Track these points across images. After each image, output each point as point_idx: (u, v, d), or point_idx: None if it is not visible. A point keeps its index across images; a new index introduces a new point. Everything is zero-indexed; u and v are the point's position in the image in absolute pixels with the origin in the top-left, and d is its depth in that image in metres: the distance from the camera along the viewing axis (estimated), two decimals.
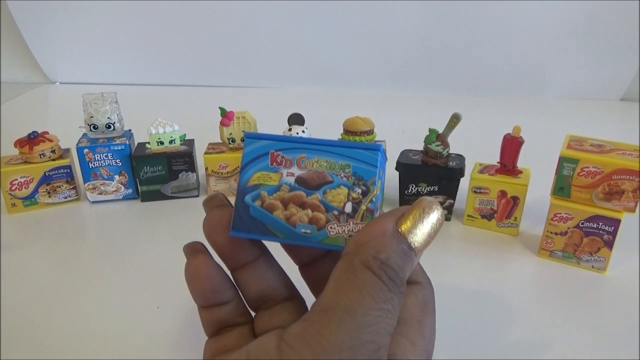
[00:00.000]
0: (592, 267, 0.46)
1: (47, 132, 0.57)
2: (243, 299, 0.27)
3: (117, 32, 1.07)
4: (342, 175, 0.24)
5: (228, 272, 0.27)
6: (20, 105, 0.99)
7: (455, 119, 0.51)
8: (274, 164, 0.25)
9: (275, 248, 0.28)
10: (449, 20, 0.98)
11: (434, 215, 0.22)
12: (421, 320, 0.24)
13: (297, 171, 0.25)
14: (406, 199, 0.55)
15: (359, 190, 0.24)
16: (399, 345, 0.23)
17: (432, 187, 0.53)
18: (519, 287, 0.44)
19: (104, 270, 0.46)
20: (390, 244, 0.21)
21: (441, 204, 0.54)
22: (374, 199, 0.24)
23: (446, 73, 1.04)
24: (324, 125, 0.57)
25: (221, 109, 0.58)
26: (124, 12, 1.05)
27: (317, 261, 0.28)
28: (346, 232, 0.24)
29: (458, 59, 1.02)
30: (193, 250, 0.26)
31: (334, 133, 0.57)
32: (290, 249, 0.29)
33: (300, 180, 0.24)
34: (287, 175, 0.25)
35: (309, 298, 0.27)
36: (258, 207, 0.24)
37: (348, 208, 0.24)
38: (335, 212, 0.24)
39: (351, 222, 0.24)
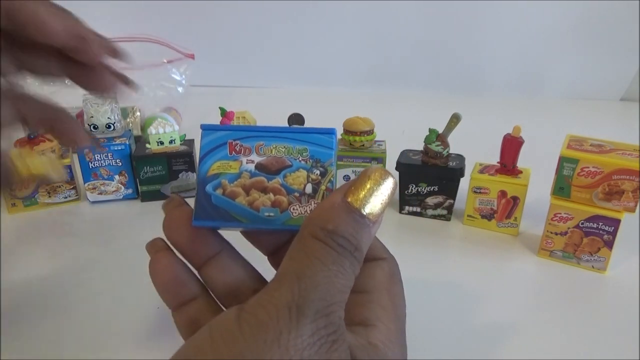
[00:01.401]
0: (592, 267, 0.46)
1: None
2: (214, 297, 0.28)
3: (117, 31, 1.07)
4: (300, 159, 0.25)
5: (196, 272, 0.28)
6: None
7: (455, 119, 0.51)
8: (233, 152, 0.25)
9: (239, 243, 0.29)
10: (449, 20, 0.98)
11: (386, 183, 0.23)
12: (389, 289, 0.26)
13: (256, 158, 0.25)
14: (406, 199, 0.55)
15: (317, 172, 0.25)
16: (371, 310, 0.24)
17: (432, 187, 0.53)
18: (519, 287, 0.44)
19: (103, 270, 0.46)
20: (338, 215, 0.22)
21: (441, 204, 0.54)
22: (332, 179, 0.25)
23: (446, 73, 1.04)
24: (323, 125, 0.57)
25: (221, 109, 0.58)
26: (124, 13, 1.05)
27: (284, 247, 0.29)
28: (308, 211, 0.25)
29: (458, 59, 1.02)
30: (154, 246, 0.27)
31: None
32: (254, 239, 0.30)
33: (260, 167, 0.25)
34: (246, 163, 0.25)
35: None
36: (220, 195, 0.25)
37: (308, 189, 0.25)
38: (297, 194, 0.25)
39: (312, 202, 0.25)
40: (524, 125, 0.49)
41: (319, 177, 0.25)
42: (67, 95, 0.81)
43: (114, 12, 1.05)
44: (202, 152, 0.26)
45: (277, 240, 0.29)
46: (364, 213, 0.22)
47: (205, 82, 1.08)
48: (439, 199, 0.54)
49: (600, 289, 0.44)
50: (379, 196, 0.23)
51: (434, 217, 0.55)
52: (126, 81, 0.29)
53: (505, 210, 0.51)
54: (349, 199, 0.22)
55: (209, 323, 0.21)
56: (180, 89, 0.89)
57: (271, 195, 0.25)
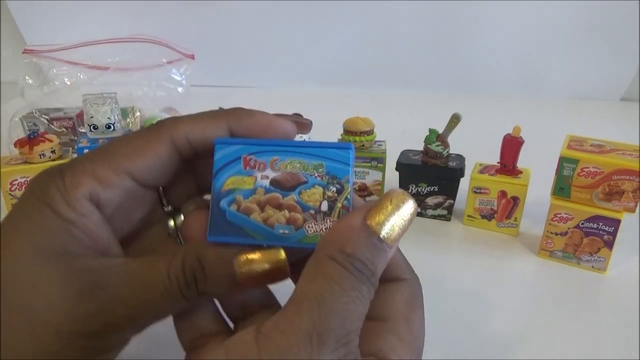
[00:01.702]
0: (592, 267, 0.46)
1: (47, 133, 0.57)
2: (222, 310, 0.27)
3: (119, 32, 1.07)
4: (316, 175, 0.25)
5: None
6: (19, 104, 0.99)
7: (455, 119, 0.51)
8: (247, 167, 0.25)
9: None
10: (449, 20, 0.98)
11: (406, 207, 0.23)
12: (409, 317, 0.24)
13: (271, 174, 0.25)
14: None
15: (334, 189, 0.24)
16: (386, 341, 0.23)
17: (432, 187, 0.53)
18: (519, 287, 0.44)
19: None
20: (357, 238, 0.21)
21: (441, 204, 0.54)
22: (348, 197, 0.24)
23: (446, 73, 1.04)
24: (323, 125, 0.57)
25: (221, 109, 0.58)
26: (124, 16, 1.05)
27: (300, 263, 0.29)
28: (324, 230, 0.24)
29: (458, 59, 1.02)
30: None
31: (334, 133, 0.57)
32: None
33: (275, 183, 0.25)
34: (261, 179, 0.25)
35: None
36: (234, 211, 0.24)
37: (324, 206, 0.24)
38: (312, 212, 0.24)
39: (328, 220, 0.24)
40: (524, 125, 0.49)
41: (335, 194, 0.24)
42: (67, 95, 0.82)
43: (115, 13, 1.05)
44: (216, 167, 0.25)
45: (294, 254, 0.29)
46: (383, 237, 0.22)
47: (205, 82, 1.08)
48: (439, 199, 0.54)
49: (600, 289, 0.44)
50: (399, 220, 0.23)
51: (434, 217, 0.55)
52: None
53: (505, 210, 0.51)
54: (369, 222, 0.22)
55: (225, 344, 0.21)
56: (180, 89, 0.89)
57: (286, 212, 0.24)
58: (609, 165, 0.42)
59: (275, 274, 0.24)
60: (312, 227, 0.24)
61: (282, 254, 0.24)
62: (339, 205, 0.24)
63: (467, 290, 0.43)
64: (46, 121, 0.64)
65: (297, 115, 0.58)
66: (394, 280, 0.26)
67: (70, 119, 0.65)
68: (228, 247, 0.24)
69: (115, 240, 0.25)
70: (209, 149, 0.26)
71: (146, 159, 0.25)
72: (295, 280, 0.28)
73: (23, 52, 0.94)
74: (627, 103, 0.98)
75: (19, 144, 0.55)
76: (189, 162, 0.27)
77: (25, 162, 0.55)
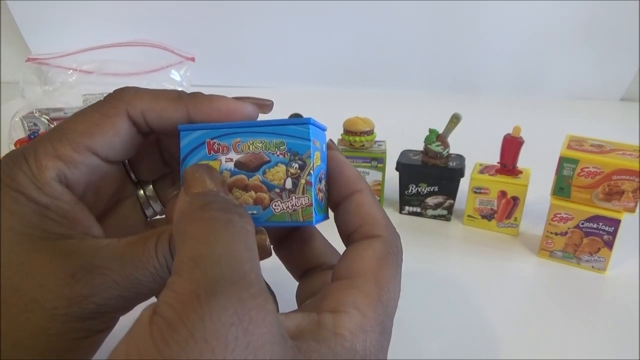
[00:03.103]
0: (592, 267, 0.46)
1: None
2: None
3: (119, 34, 1.07)
4: (277, 153, 0.25)
5: None
6: (20, 105, 0.99)
7: (455, 119, 0.51)
8: (212, 152, 0.25)
9: None
10: (449, 20, 0.98)
11: (198, 170, 0.23)
12: (378, 272, 0.23)
13: (235, 156, 0.25)
14: (406, 199, 0.55)
15: (296, 165, 0.24)
16: (347, 296, 0.22)
17: (432, 187, 0.53)
18: (519, 287, 0.44)
19: None
20: (192, 198, 0.22)
21: (441, 204, 0.54)
22: (311, 172, 0.24)
23: (446, 73, 1.04)
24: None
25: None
26: (124, 15, 1.05)
27: (285, 238, 0.30)
28: (290, 207, 0.24)
29: (458, 59, 1.02)
30: None
31: (334, 133, 0.57)
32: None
33: (239, 164, 0.25)
34: (226, 161, 0.25)
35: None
36: None
37: (288, 184, 0.24)
38: (277, 190, 0.25)
39: (293, 197, 0.24)
40: (524, 125, 0.49)
41: (298, 171, 0.24)
42: (67, 95, 0.82)
43: (116, 18, 1.05)
44: (183, 154, 0.25)
45: (275, 235, 0.30)
46: (210, 189, 0.22)
47: (206, 82, 1.08)
48: (439, 199, 0.54)
49: (600, 289, 0.44)
50: (202, 178, 0.23)
51: (434, 217, 0.55)
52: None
53: (505, 210, 0.51)
54: (190, 192, 0.22)
55: (127, 332, 0.19)
56: (180, 90, 0.89)
57: (252, 192, 0.25)
58: (609, 165, 0.42)
59: (260, 252, 0.22)
60: (279, 205, 0.25)
61: (265, 234, 0.24)
62: (303, 181, 0.24)
63: (467, 290, 0.43)
64: (46, 121, 0.64)
65: (297, 115, 0.58)
66: (367, 238, 0.25)
67: None
68: None
69: (93, 219, 0.25)
70: (165, 129, 0.26)
71: (106, 134, 0.25)
72: (281, 258, 0.30)
73: (27, 61, 0.95)
74: (627, 103, 0.98)
75: (20, 144, 0.55)
76: (150, 135, 0.28)
77: None
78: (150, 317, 0.18)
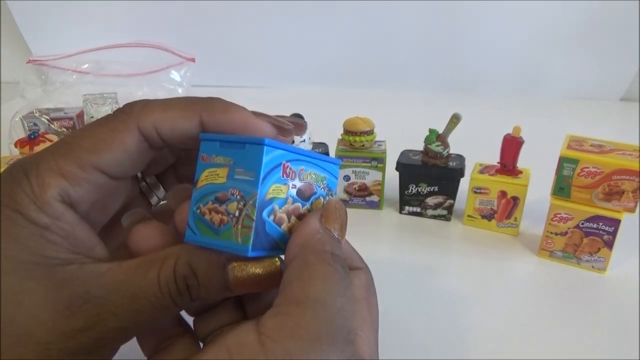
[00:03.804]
0: (592, 267, 0.46)
1: (47, 133, 0.57)
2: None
3: (119, 34, 1.07)
4: (321, 186, 0.26)
5: None
6: (20, 105, 0.99)
7: (455, 119, 0.51)
8: (284, 175, 0.24)
9: None
10: (449, 20, 0.98)
11: (343, 209, 0.25)
12: (368, 299, 0.26)
13: (298, 183, 0.24)
14: (406, 199, 0.55)
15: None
16: (355, 321, 0.24)
17: (432, 187, 0.53)
18: (519, 287, 0.44)
19: None
20: (327, 238, 0.23)
21: (441, 204, 0.54)
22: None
23: (446, 73, 1.04)
24: (324, 125, 0.57)
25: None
26: (124, 15, 1.05)
27: None
28: None
29: (458, 59, 1.02)
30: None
31: (334, 133, 0.57)
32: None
33: (299, 192, 0.25)
34: (291, 188, 0.24)
35: None
36: (272, 222, 0.23)
37: None
38: None
39: None
40: (524, 125, 0.49)
41: None
42: (67, 95, 0.82)
43: (116, 18, 1.05)
44: (264, 172, 0.22)
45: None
46: (337, 235, 0.24)
47: (206, 82, 1.08)
48: (439, 199, 0.54)
49: (600, 289, 0.44)
50: (341, 220, 0.25)
51: (434, 217, 0.55)
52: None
53: (505, 210, 0.51)
54: (326, 224, 0.24)
55: (224, 344, 0.21)
56: (180, 90, 0.89)
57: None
58: (609, 165, 0.42)
59: (270, 280, 0.23)
60: None
61: (277, 261, 0.24)
62: None
63: (467, 290, 0.43)
64: (46, 121, 0.65)
65: (297, 115, 0.58)
66: (351, 269, 0.27)
67: (71, 119, 0.65)
68: (219, 253, 0.23)
69: (96, 238, 0.24)
70: (179, 140, 0.25)
71: (113, 151, 0.23)
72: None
73: (27, 62, 0.95)
74: (627, 103, 0.98)
75: (20, 144, 0.55)
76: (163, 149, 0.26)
77: None
78: (259, 340, 0.20)
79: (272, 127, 0.25)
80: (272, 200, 0.23)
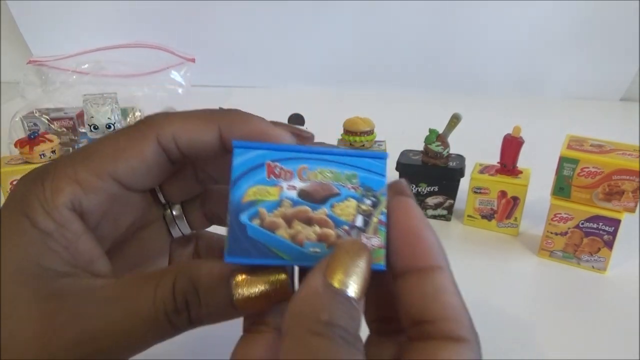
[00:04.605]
0: (592, 267, 0.46)
1: (47, 133, 0.57)
2: None
3: (119, 34, 1.07)
4: (349, 186, 0.22)
5: None
6: (20, 105, 0.99)
7: (455, 119, 0.51)
8: (272, 176, 0.22)
9: None
10: (449, 20, 0.98)
11: (363, 255, 0.20)
12: None
13: (299, 184, 0.22)
14: None
15: (369, 202, 0.22)
16: None
17: (432, 187, 0.53)
18: (519, 287, 0.44)
19: None
20: (327, 302, 0.19)
21: (441, 204, 0.54)
22: (384, 210, 0.22)
23: (446, 73, 1.04)
24: (324, 125, 0.57)
25: (221, 109, 0.58)
26: (124, 16, 1.05)
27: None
28: None
29: (458, 59, 1.02)
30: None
31: (334, 133, 0.57)
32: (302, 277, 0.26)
33: (303, 194, 0.22)
34: (287, 189, 0.22)
35: None
36: (257, 226, 0.21)
37: (359, 221, 0.22)
38: (346, 227, 0.22)
39: (363, 237, 0.22)
40: (524, 125, 0.49)
41: (371, 208, 0.22)
42: (67, 95, 0.82)
43: (116, 19, 1.05)
44: (235, 174, 0.22)
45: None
46: (350, 295, 0.19)
47: (206, 82, 1.08)
48: (439, 199, 0.54)
49: (600, 289, 0.44)
50: (359, 271, 0.20)
51: (434, 217, 0.55)
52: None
53: (505, 210, 0.51)
54: (331, 281, 0.19)
55: None
56: (180, 90, 0.89)
57: (316, 227, 0.22)
58: (609, 165, 0.42)
59: (277, 294, 0.21)
60: None
61: (282, 275, 0.22)
62: (375, 220, 0.22)
63: (466, 290, 0.43)
64: (46, 121, 0.65)
65: (297, 115, 0.58)
66: (451, 340, 0.20)
67: (71, 119, 0.65)
68: (224, 264, 0.21)
69: (100, 252, 0.23)
70: (197, 152, 0.24)
71: (130, 160, 0.23)
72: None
73: (28, 63, 0.95)
74: (627, 103, 0.98)
75: (20, 144, 0.55)
76: (180, 163, 0.25)
77: (26, 162, 0.55)
78: None
79: (291, 136, 0.24)
80: (253, 203, 0.21)
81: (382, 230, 0.22)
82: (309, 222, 0.22)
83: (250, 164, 0.22)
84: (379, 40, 1.03)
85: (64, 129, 0.65)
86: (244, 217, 0.21)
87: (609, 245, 0.44)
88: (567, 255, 0.47)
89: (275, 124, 0.24)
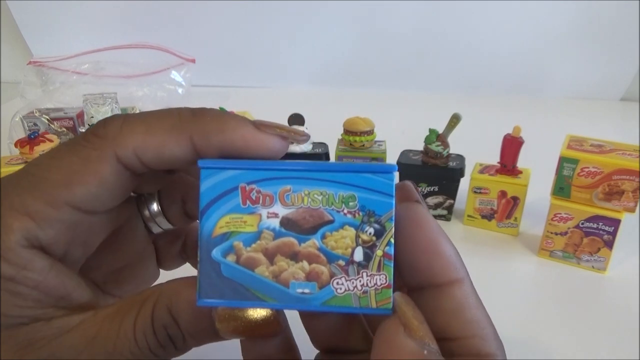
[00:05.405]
0: (592, 267, 0.46)
1: (47, 133, 0.57)
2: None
3: (119, 35, 1.08)
4: (345, 211, 0.18)
5: None
6: (20, 105, 0.99)
7: (455, 119, 0.51)
8: (248, 202, 0.18)
9: None
10: (449, 20, 0.98)
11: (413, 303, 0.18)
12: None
13: (281, 210, 0.18)
14: None
15: (371, 230, 0.18)
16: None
17: (432, 188, 0.53)
18: (519, 287, 0.44)
19: None
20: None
21: (441, 204, 0.54)
22: (391, 240, 0.18)
23: (446, 73, 1.04)
24: (324, 125, 0.57)
25: (221, 109, 0.58)
26: (124, 16, 1.05)
27: (343, 340, 0.22)
28: (359, 287, 0.18)
29: (458, 59, 1.02)
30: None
31: (334, 133, 0.57)
32: (308, 326, 0.22)
33: (287, 223, 0.18)
34: (268, 217, 0.18)
35: None
36: (232, 263, 0.18)
37: (358, 255, 0.18)
38: (341, 262, 0.18)
39: (364, 274, 0.18)
40: (524, 125, 0.49)
41: (373, 238, 0.18)
42: (67, 95, 0.82)
43: (116, 19, 1.05)
44: (204, 202, 0.18)
45: (328, 326, 0.22)
46: (433, 347, 0.17)
47: (206, 83, 1.08)
48: (439, 199, 0.54)
49: (600, 289, 0.44)
50: (421, 317, 0.17)
51: (434, 217, 0.55)
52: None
53: (505, 210, 0.51)
54: (421, 337, 0.17)
55: None
56: (180, 90, 0.89)
57: (305, 263, 0.18)
58: (609, 165, 0.42)
59: (263, 330, 0.19)
60: (343, 284, 0.18)
61: (268, 310, 0.19)
62: (379, 253, 0.18)
63: None
64: (46, 121, 0.65)
65: (297, 115, 0.58)
66: (478, 357, 0.19)
67: (71, 119, 0.65)
68: None
69: (74, 281, 0.21)
70: (170, 166, 0.21)
71: (88, 185, 0.20)
72: (315, 342, 0.23)
73: (28, 64, 0.95)
74: (627, 103, 0.98)
75: (20, 144, 0.55)
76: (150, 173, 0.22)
77: (26, 162, 0.55)
78: None
79: (280, 140, 0.20)
80: (226, 235, 0.18)
81: (388, 265, 0.18)
82: (295, 257, 0.18)
83: (221, 188, 0.18)
84: (379, 40, 1.03)
85: (64, 129, 0.65)
86: (216, 254, 0.18)
87: (609, 245, 0.44)
88: (567, 255, 0.47)
89: (261, 125, 0.21)
